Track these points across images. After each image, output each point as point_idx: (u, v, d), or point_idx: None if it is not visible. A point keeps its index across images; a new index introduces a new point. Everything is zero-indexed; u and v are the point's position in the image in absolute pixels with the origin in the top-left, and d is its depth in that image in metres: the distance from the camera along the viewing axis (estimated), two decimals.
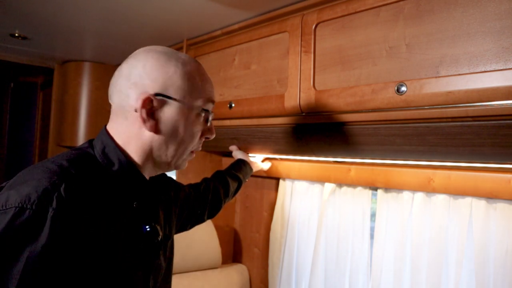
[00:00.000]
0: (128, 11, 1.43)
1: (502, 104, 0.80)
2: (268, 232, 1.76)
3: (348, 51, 1.07)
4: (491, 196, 1.07)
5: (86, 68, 2.36)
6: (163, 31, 1.65)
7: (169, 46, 1.84)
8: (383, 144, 1.10)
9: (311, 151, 1.37)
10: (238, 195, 1.90)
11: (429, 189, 1.19)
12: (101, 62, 2.37)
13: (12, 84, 3.17)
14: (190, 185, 1.22)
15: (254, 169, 1.56)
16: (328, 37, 1.12)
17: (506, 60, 0.78)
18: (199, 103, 0.76)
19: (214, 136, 0.83)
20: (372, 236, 1.38)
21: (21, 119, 3.09)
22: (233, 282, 1.78)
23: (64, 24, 1.64)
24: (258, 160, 1.64)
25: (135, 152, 0.74)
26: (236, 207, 2.01)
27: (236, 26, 1.47)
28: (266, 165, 1.67)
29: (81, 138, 2.36)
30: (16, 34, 1.82)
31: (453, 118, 0.88)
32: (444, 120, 0.90)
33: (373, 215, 1.39)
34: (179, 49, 1.76)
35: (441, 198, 1.19)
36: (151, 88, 0.71)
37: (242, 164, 1.46)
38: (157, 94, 0.71)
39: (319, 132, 1.22)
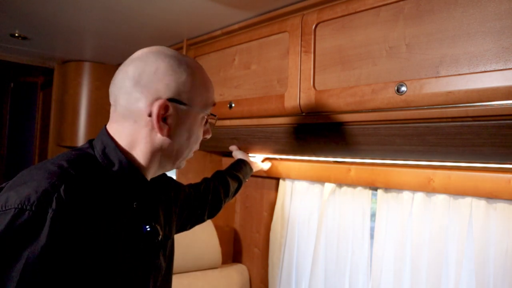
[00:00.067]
0: (128, 11, 1.43)
1: (502, 104, 0.80)
2: (268, 232, 1.76)
3: (348, 51, 1.07)
4: (491, 196, 1.07)
5: (86, 68, 2.36)
6: (163, 31, 1.65)
7: (169, 46, 1.84)
8: (383, 144, 1.10)
9: (311, 151, 1.37)
10: (238, 195, 1.90)
11: (429, 189, 1.19)
12: (101, 62, 2.37)
13: (12, 84, 3.17)
14: (190, 185, 1.22)
15: (254, 169, 1.56)
16: (328, 37, 1.12)
17: (506, 60, 0.78)
18: (205, 107, 0.79)
19: (210, 135, 0.85)
20: (372, 236, 1.38)
21: (21, 119, 3.09)
22: (233, 282, 1.78)
23: (64, 24, 1.64)
24: (258, 160, 1.64)
25: (142, 155, 0.74)
26: (236, 207, 2.01)
27: (236, 26, 1.47)
28: (266, 165, 1.67)
29: (81, 138, 2.36)
30: (16, 34, 1.82)
31: (453, 118, 0.88)
32: (444, 120, 0.90)
33: (373, 215, 1.39)
34: (179, 49, 1.76)
35: (441, 198, 1.19)
36: (164, 93, 0.72)
37: (242, 164, 1.46)
38: (170, 100, 0.72)
39: (319, 132, 1.22)
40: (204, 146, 0.85)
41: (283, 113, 1.25)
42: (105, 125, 0.78)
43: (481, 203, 1.11)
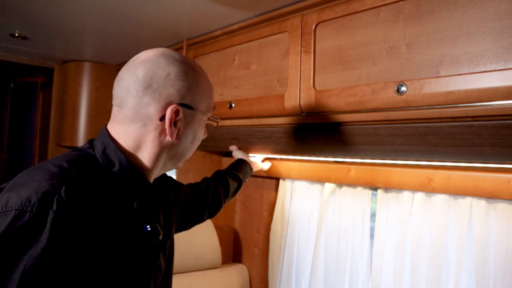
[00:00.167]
0: (128, 11, 1.43)
1: (502, 104, 0.80)
2: (268, 232, 1.76)
3: (348, 51, 1.07)
4: (491, 196, 1.07)
5: (86, 68, 2.36)
6: (163, 31, 1.65)
7: (169, 46, 1.85)
8: (383, 144, 1.10)
9: (311, 151, 1.37)
10: (238, 195, 1.90)
11: (429, 189, 1.19)
12: (101, 62, 2.37)
13: (12, 84, 3.17)
14: (190, 185, 1.22)
15: (254, 169, 1.56)
16: (328, 37, 1.12)
17: (506, 60, 0.78)
18: (208, 110, 0.82)
19: (206, 136, 0.88)
20: (372, 236, 1.38)
21: (21, 119, 3.09)
22: (233, 282, 1.78)
23: (64, 24, 1.64)
24: (258, 160, 1.64)
25: (148, 157, 0.75)
26: (236, 207, 2.01)
27: (236, 26, 1.47)
28: (266, 165, 1.67)
29: (81, 138, 2.36)
30: (16, 34, 1.82)
31: (453, 118, 0.88)
32: (444, 120, 0.90)
33: (373, 215, 1.38)
34: (179, 49, 1.76)
35: (441, 198, 1.19)
36: (176, 97, 0.73)
37: (242, 164, 1.46)
38: (181, 104, 0.74)
39: (319, 132, 1.22)
40: (204, 146, 0.85)
41: (283, 113, 1.25)
42: (106, 125, 0.77)
43: (481, 203, 1.11)
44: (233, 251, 2.00)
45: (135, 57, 0.76)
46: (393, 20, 0.97)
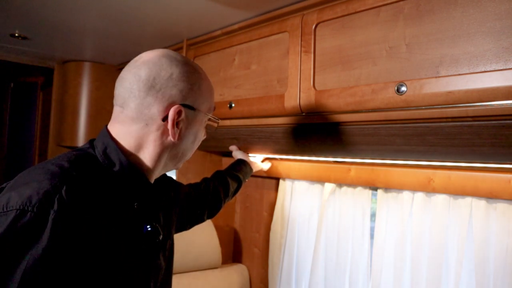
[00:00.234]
0: (128, 11, 1.43)
1: (502, 104, 0.80)
2: (268, 232, 1.76)
3: (348, 51, 1.07)
4: (491, 196, 1.07)
5: (86, 68, 2.36)
6: (163, 31, 1.65)
7: (169, 46, 1.85)
8: (383, 144, 1.10)
9: (311, 151, 1.37)
10: (238, 195, 1.90)
11: (429, 189, 1.19)
12: (101, 62, 2.37)
13: (12, 84, 3.17)
14: (190, 185, 1.22)
15: (254, 169, 1.56)
16: (328, 37, 1.12)
17: (506, 60, 0.78)
18: (209, 111, 0.82)
19: (205, 136, 0.88)
20: (372, 236, 1.38)
21: (21, 119, 3.09)
22: (233, 282, 1.78)
23: (64, 24, 1.64)
24: (258, 160, 1.64)
25: (149, 157, 0.75)
26: (236, 207, 2.01)
27: (236, 26, 1.47)
28: (266, 165, 1.67)
29: (81, 138, 2.36)
30: (16, 34, 1.82)
31: (453, 118, 0.88)
32: (444, 120, 0.90)
33: (373, 215, 1.39)
34: (179, 49, 1.76)
35: (441, 198, 1.19)
36: (179, 98, 0.74)
37: (242, 164, 1.46)
38: (183, 105, 0.74)
39: (319, 132, 1.22)
40: (204, 146, 0.85)
41: (283, 113, 1.25)
42: (106, 126, 0.77)
43: (481, 203, 1.11)
44: (233, 251, 2.00)
45: (137, 58, 0.76)
46: (393, 20, 0.97)
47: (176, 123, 0.74)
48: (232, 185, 1.35)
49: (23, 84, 3.03)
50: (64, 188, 0.61)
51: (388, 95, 0.96)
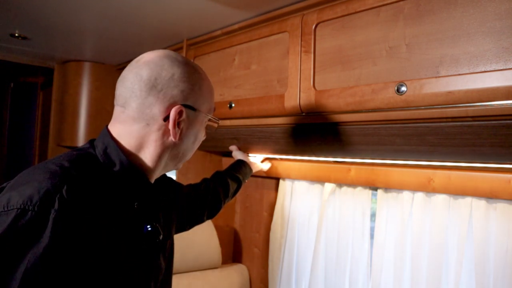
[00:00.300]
0: (128, 11, 1.43)
1: (502, 104, 0.80)
2: (268, 232, 1.76)
3: (348, 51, 1.07)
4: (491, 196, 1.07)
5: (86, 68, 2.36)
6: (163, 31, 1.65)
7: (169, 46, 1.85)
8: (383, 144, 1.10)
9: (311, 151, 1.37)
10: (238, 195, 1.90)
11: (429, 189, 1.19)
12: (101, 62, 2.37)
13: (12, 84, 3.17)
14: (189, 186, 1.23)
15: (254, 170, 1.56)
16: (328, 37, 1.12)
17: (506, 60, 0.78)
18: (209, 112, 0.83)
19: (205, 137, 0.89)
20: (372, 236, 1.38)
21: (21, 119, 3.09)
22: (233, 282, 1.78)
23: (64, 24, 1.64)
24: (258, 161, 1.64)
25: (150, 157, 0.75)
26: (236, 207, 2.01)
27: (236, 26, 1.47)
28: (265, 166, 1.67)
29: (81, 138, 2.36)
30: (16, 34, 1.82)
31: (453, 118, 0.88)
32: (444, 120, 0.90)
33: (373, 215, 1.38)
34: (179, 49, 1.76)
35: (441, 198, 1.19)
36: (180, 98, 0.74)
37: (242, 165, 1.46)
38: (184, 105, 0.75)
39: (319, 132, 1.22)
40: (204, 146, 0.85)
41: (283, 113, 1.25)
42: (107, 126, 0.78)
43: (481, 203, 1.11)
44: (233, 251, 2.00)
45: (138, 58, 0.77)
46: (393, 20, 0.97)
47: (177, 123, 0.74)
48: (232, 186, 1.35)
49: (23, 84, 3.03)
50: (65, 187, 0.61)
51: (388, 95, 0.96)
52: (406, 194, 1.28)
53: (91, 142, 0.76)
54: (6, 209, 0.58)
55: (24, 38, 1.88)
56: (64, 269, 0.60)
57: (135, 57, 0.79)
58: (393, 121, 0.99)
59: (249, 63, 1.38)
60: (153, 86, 0.72)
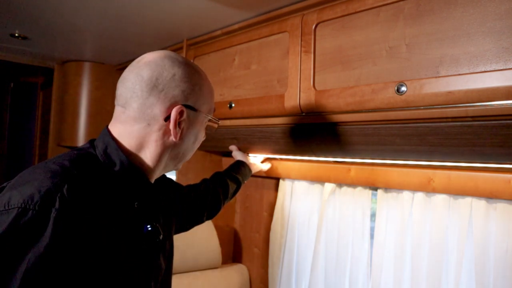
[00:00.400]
0: (128, 11, 1.43)
1: (502, 104, 0.80)
2: (268, 232, 1.76)
3: (348, 51, 1.07)
4: (491, 196, 1.07)
5: (86, 68, 2.36)
6: (163, 31, 1.65)
7: (169, 46, 1.85)
8: (383, 144, 1.10)
9: (311, 151, 1.37)
10: (238, 195, 1.90)
11: (429, 189, 1.19)
12: (101, 62, 2.37)
13: (12, 84, 3.17)
14: (189, 186, 1.23)
15: (253, 171, 1.56)
16: (328, 37, 1.12)
17: (506, 60, 0.78)
18: (209, 112, 0.83)
19: (205, 137, 0.89)
20: (372, 236, 1.38)
21: (21, 119, 3.09)
22: (233, 282, 1.78)
23: (64, 24, 1.64)
24: (258, 161, 1.64)
25: (151, 157, 0.76)
26: (236, 207, 2.01)
27: (236, 26, 1.47)
28: (265, 166, 1.67)
29: (81, 138, 2.36)
30: (16, 34, 1.83)
31: (453, 118, 0.88)
32: (444, 120, 0.90)
33: (373, 215, 1.38)
34: (179, 49, 1.76)
35: (441, 198, 1.19)
36: (181, 99, 0.75)
37: (242, 166, 1.47)
38: (185, 105, 0.75)
39: (319, 132, 1.22)
40: (204, 146, 0.85)
41: (283, 113, 1.25)
42: (107, 126, 0.78)
43: (481, 203, 1.11)
44: (233, 251, 2.00)
45: (139, 58, 0.77)
46: (393, 20, 0.97)
47: (178, 123, 0.74)
48: (232, 187, 1.35)
49: (23, 84, 3.03)
50: (66, 186, 0.61)
51: (388, 95, 0.96)
52: (406, 194, 1.28)
53: (91, 142, 0.77)
54: (7, 207, 0.58)
55: (24, 38, 1.88)
56: (64, 269, 0.60)
57: (135, 57, 0.79)
58: (393, 121, 0.99)
59: (249, 63, 1.38)
60: (154, 86, 0.72)
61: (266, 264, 1.78)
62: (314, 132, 1.23)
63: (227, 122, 1.46)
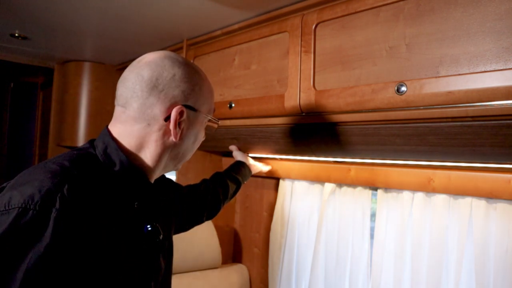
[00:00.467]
0: (128, 11, 1.43)
1: (502, 104, 0.80)
2: (268, 232, 1.76)
3: (348, 51, 1.07)
4: (491, 196, 1.07)
5: (86, 68, 2.36)
6: (163, 31, 1.65)
7: (169, 46, 1.85)
8: (383, 144, 1.10)
9: (311, 151, 1.37)
10: (238, 195, 1.90)
11: (429, 189, 1.20)
12: (101, 62, 2.37)
13: (12, 84, 3.17)
14: (189, 186, 1.23)
15: (253, 172, 1.56)
16: (328, 37, 1.12)
17: (506, 60, 0.78)
18: (209, 112, 0.83)
19: (205, 138, 0.89)
20: (372, 236, 1.38)
21: (21, 119, 3.10)
22: (233, 282, 1.78)
23: (64, 24, 1.64)
24: (258, 163, 1.64)
25: (151, 157, 0.76)
26: (236, 207, 2.01)
27: (236, 26, 1.47)
28: (265, 168, 1.67)
29: (81, 138, 2.36)
30: (16, 34, 1.82)
31: (453, 118, 0.88)
32: (444, 120, 0.90)
33: (373, 215, 1.39)
34: (179, 49, 1.76)
35: (441, 198, 1.19)
36: (181, 99, 0.75)
37: (242, 166, 1.47)
38: (185, 105, 0.75)
39: (319, 132, 1.22)
40: (204, 146, 0.85)
41: (283, 113, 1.25)
42: (107, 126, 0.78)
43: (481, 203, 1.11)
44: (233, 251, 2.00)
45: (139, 59, 0.77)
46: (393, 20, 0.97)
47: (178, 124, 0.75)
48: (231, 187, 1.35)
49: (23, 84, 3.04)
50: (66, 186, 0.61)
51: (388, 95, 0.96)
52: (406, 194, 1.28)
53: (91, 142, 0.77)
54: (7, 208, 0.58)
55: (24, 38, 1.88)
56: (65, 269, 0.60)
57: (135, 57, 0.79)
58: (393, 121, 0.99)
59: (249, 63, 1.38)
60: (154, 86, 0.72)
61: (266, 264, 1.78)
62: (314, 132, 1.23)
63: (227, 122, 1.46)
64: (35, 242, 0.57)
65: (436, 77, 0.88)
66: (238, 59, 1.43)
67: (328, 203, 1.51)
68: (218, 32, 1.56)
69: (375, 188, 1.39)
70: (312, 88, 1.14)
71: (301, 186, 1.65)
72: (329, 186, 1.51)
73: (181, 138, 0.77)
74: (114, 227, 0.69)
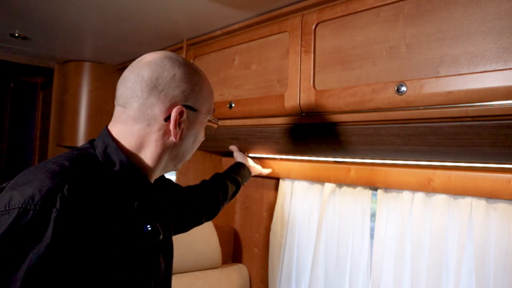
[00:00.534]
0: (128, 11, 1.43)
1: (502, 104, 0.80)
2: (268, 232, 1.76)
3: (348, 51, 1.07)
4: (491, 196, 1.07)
5: (86, 68, 2.36)
6: (163, 31, 1.65)
7: (169, 46, 1.85)
8: (383, 144, 1.10)
9: (311, 151, 1.37)
10: (238, 195, 1.90)
11: (429, 189, 1.20)
12: (101, 62, 2.37)
13: (12, 84, 3.17)
14: (188, 187, 1.23)
15: (253, 173, 1.56)
16: (328, 37, 1.12)
17: (506, 60, 0.78)
18: (209, 112, 0.83)
19: (204, 138, 0.89)
20: (372, 236, 1.38)
21: (21, 119, 3.10)
22: (233, 282, 1.78)
23: (64, 24, 1.64)
24: (258, 165, 1.63)
25: (150, 157, 0.76)
26: (236, 207, 2.01)
27: (236, 26, 1.47)
28: (266, 170, 1.66)
29: (81, 138, 2.36)
30: (16, 34, 1.82)
31: (453, 118, 0.88)
32: (444, 120, 0.90)
33: (373, 215, 1.39)
34: (179, 49, 1.76)
35: (441, 198, 1.19)
36: (181, 99, 0.75)
37: (241, 168, 1.47)
38: (185, 106, 0.75)
39: (319, 132, 1.22)
40: (204, 146, 0.85)
41: (283, 113, 1.25)
42: (107, 126, 0.78)
43: (481, 203, 1.11)
44: (233, 251, 2.00)
45: (139, 59, 0.77)
46: (393, 20, 0.97)
47: (178, 124, 0.75)
48: (231, 188, 1.35)
49: (23, 84, 3.03)
50: (66, 186, 0.61)
51: (388, 95, 0.96)
52: (406, 194, 1.28)
53: (91, 142, 0.77)
54: (7, 208, 0.58)
55: (24, 38, 1.88)
56: (65, 269, 0.60)
57: (135, 57, 0.79)
58: (393, 121, 0.99)
59: (249, 63, 1.38)
60: (154, 87, 0.72)
61: (266, 264, 1.78)
62: (314, 132, 1.23)
63: (227, 122, 1.46)
64: (35, 242, 0.57)
65: (436, 77, 0.88)
66: (238, 59, 1.43)
67: (328, 203, 1.51)
68: (218, 32, 1.56)
69: (375, 188, 1.39)
70: (312, 88, 1.14)
71: (301, 186, 1.65)
72: (329, 186, 1.51)
73: (181, 138, 0.77)
74: (114, 227, 0.69)
